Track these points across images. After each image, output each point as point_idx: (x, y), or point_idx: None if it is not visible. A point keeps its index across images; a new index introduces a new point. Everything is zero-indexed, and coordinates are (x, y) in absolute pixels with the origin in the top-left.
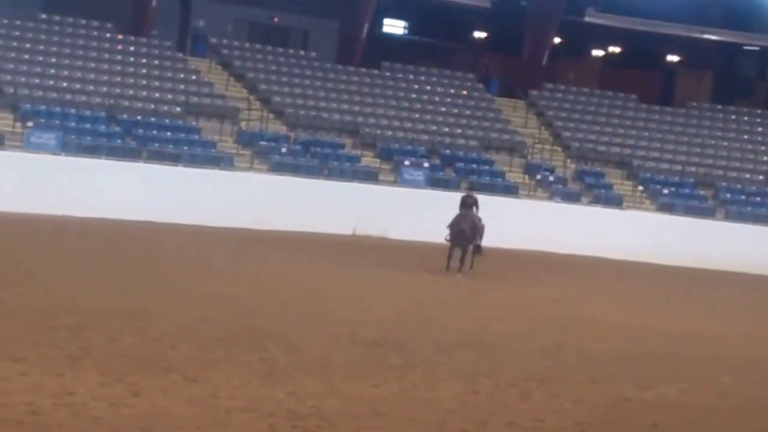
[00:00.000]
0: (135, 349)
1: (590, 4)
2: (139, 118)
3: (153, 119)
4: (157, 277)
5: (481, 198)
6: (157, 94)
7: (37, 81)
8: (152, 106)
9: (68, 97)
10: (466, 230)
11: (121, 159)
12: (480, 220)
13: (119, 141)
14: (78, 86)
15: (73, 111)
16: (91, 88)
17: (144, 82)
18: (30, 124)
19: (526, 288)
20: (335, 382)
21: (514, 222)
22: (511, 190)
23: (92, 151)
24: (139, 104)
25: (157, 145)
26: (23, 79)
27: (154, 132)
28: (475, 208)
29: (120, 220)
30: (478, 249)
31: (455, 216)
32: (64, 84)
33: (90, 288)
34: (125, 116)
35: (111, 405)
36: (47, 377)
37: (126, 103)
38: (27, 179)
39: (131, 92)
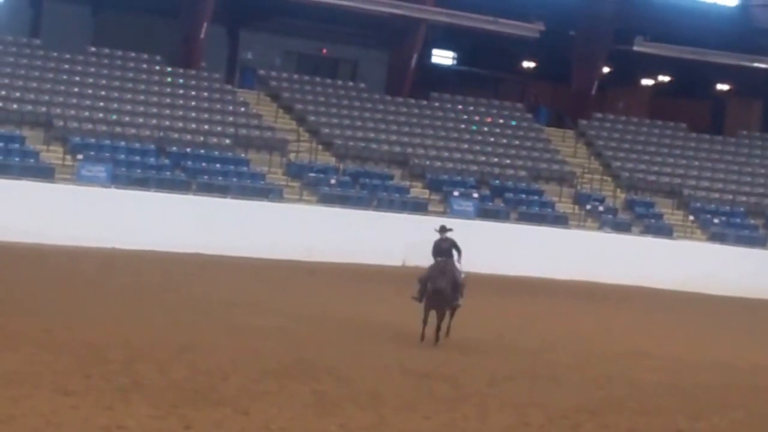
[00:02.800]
0: (186, 382)
1: (639, 33)
2: (188, 150)
3: (202, 151)
4: (207, 310)
5: (530, 229)
6: (206, 126)
7: (87, 114)
8: (201, 138)
9: (118, 129)
10: (444, 288)
11: (171, 191)
12: (461, 273)
13: (168, 173)
14: (127, 119)
15: (122, 144)
16: (141, 120)
17: (193, 114)
18: (80, 157)
19: (576, 318)
20: (385, 413)
21: (564, 253)
22: (560, 221)
23: (142, 183)
24: (189, 136)
25: (206, 177)
26: (73, 112)
27: (203, 164)
28: (455, 253)
29: (169, 253)
30: (454, 311)
31: (429, 267)
32: (114, 117)
33: (140, 321)
34: (174, 148)
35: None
36: (98, 410)
37: (175, 135)
38: (77, 212)
39: (180, 124)
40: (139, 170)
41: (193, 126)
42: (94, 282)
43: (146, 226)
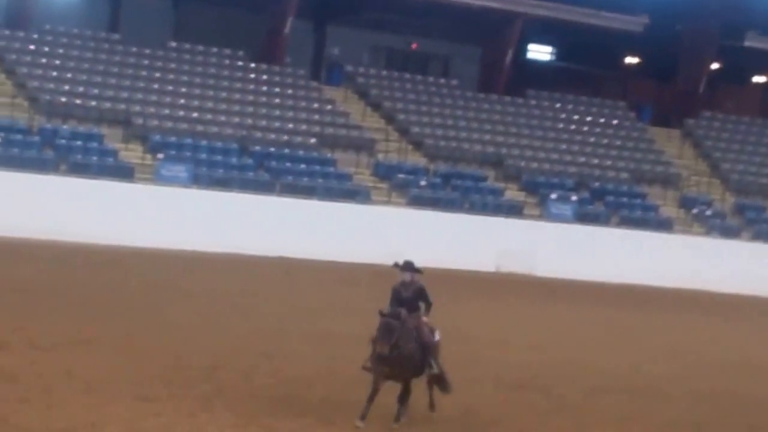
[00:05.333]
0: (269, 390)
1: (751, 28)
2: (272, 149)
3: (286, 151)
4: (291, 316)
5: (632, 234)
6: (290, 125)
7: (167, 112)
8: (285, 138)
9: (199, 128)
10: (409, 352)
11: (254, 192)
12: (433, 330)
13: (251, 174)
14: (209, 117)
15: (204, 142)
16: (223, 118)
17: (277, 112)
18: (160, 156)
19: (678, 328)
20: (477, 428)
21: (667, 259)
22: (664, 225)
23: (224, 184)
24: (272, 135)
25: (290, 177)
26: (153, 110)
27: (288, 164)
28: (421, 305)
29: (252, 256)
30: (439, 380)
31: (380, 323)
32: (195, 114)
33: (222, 327)
34: (258, 148)
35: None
36: (179, 418)
37: (258, 134)
38: (157, 213)
39: (264, 123)
40: (221, 170)
41: (277, 124)
42: (175, 286)
43: (228, 229)
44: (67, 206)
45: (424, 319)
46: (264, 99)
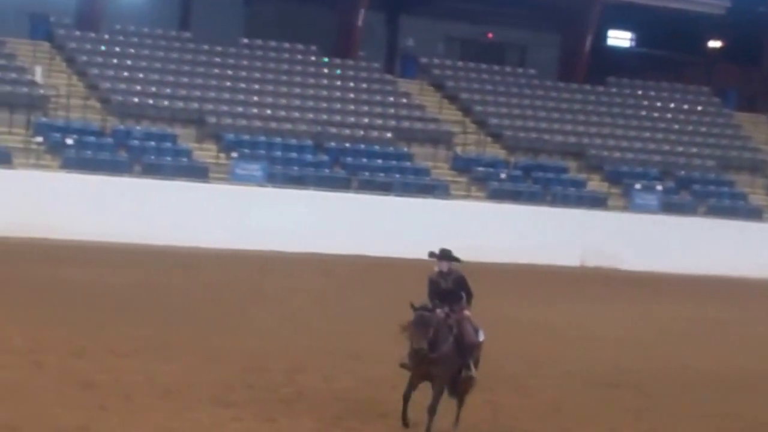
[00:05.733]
0: (351, 393)
1: None
2: (347, 145)
3: (362, 146)
4: (371, 316)
5: (721, 223)
6: (365, 120)
7: (240, 110)
8: (361, 133)
9: (273, 125)
10: (446, 350)
11: (330, 189)
12: (476, 331)
13: (327, 170)
14: (283, 113)
15: (278, 140)
16: (297, 115)
17: (352, 106)
18: (234, 155)
19: None
20: (567, 426)
21: (759, 249)
22: (754, 214)
23: (299, 181)
24: (347, 131)
25: (367, 173)
26: (226, 108)
27: (364, 160)
28: (463, 295)
29: (329, 255)
30: (468, 384)
31: (416, 317)
32: (269, 112)
33: (302, 328)
34: (333, 144)
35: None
36: (260, 423)
37: (333, 130)
38: (232, 213)
39: (338, 118)
40: (295, 168)
41: (352, 119)
42: (253, 287)
43: (304, 227)
44: (142, 208)
45: (467, 313)
46: (338, 94)
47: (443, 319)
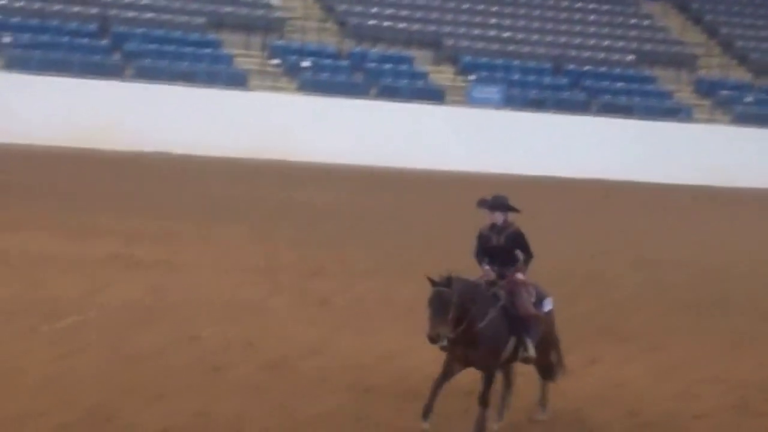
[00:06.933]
0: (591, 316)
1: None
2: (587, 68)
3: (603, 69)
4: (612, 239)
5: None
6: (606, 42)
7: (477, 32)
8: (601, 55)
9: (511, 48)
10: (485, 327)
11: (569, 113)
12: (541, 296)
13: (566, 93)
14: (521, 36)
15: (516, 62)
16: (536, 37)
17: (592, 29)
18: (472, 77)
19: None
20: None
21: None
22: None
23: (537, 105)
24: (587, 53)
25: (607, 96)
26: (463, 30)
27: (605, 83)
28: (521, 256)
29: (567, 179)
30: (548, 371)
31: (432, 295)
32: (507, 34)
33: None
34: (572, 66)
35: (567, 373)
36: None
37: (573, 52)
38: (469, 136)
39: (578, 40)
40: (534, 91)
41: (593, 42)
42: None
43: (542, 151)
44: (378, 130)
45: (520, 277)
46: (578, 16)
47: (484, 289)
